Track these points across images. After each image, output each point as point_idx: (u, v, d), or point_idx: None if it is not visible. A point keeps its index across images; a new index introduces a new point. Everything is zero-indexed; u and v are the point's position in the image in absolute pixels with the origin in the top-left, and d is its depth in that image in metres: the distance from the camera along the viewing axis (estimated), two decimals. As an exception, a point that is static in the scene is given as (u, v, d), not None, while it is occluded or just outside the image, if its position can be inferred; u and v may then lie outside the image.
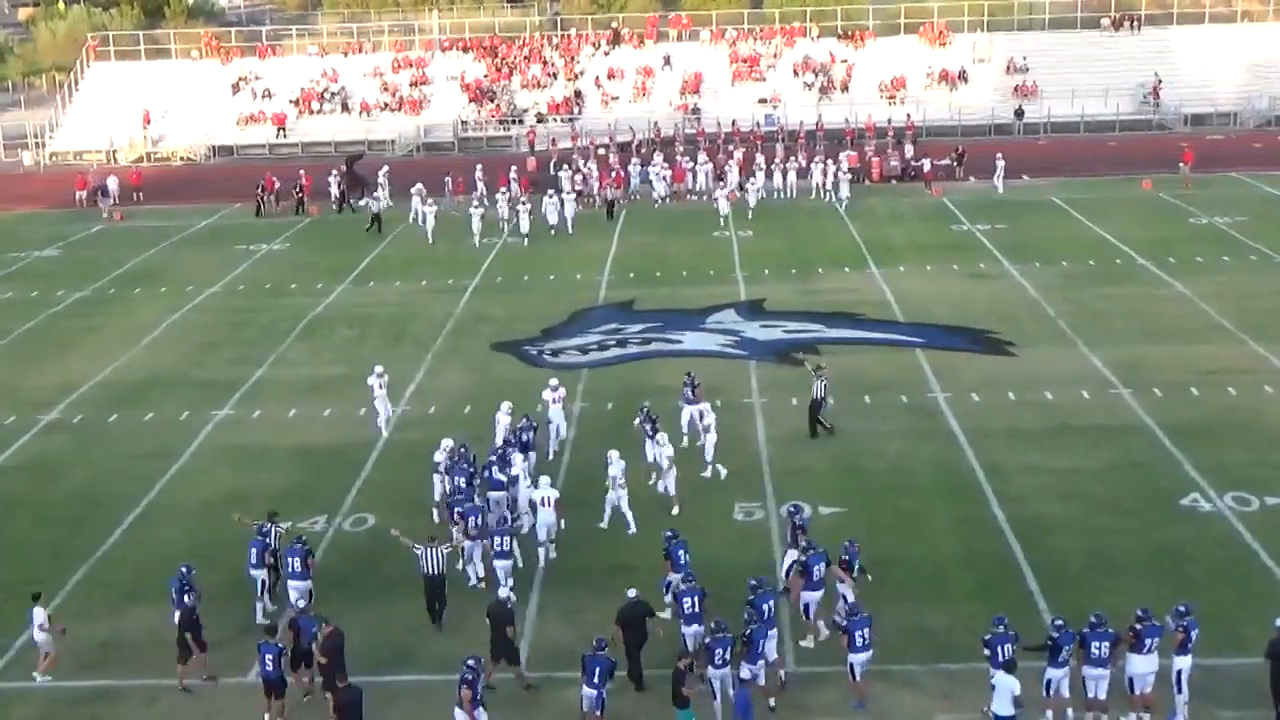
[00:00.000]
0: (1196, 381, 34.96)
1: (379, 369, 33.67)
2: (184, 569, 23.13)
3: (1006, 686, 19.17)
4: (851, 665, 20.75)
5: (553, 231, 54.94)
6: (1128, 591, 23.35)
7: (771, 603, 21.75)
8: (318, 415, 34.85)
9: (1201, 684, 20.73)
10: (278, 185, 64.19)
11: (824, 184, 61.05)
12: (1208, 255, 48.60)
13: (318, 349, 41.22)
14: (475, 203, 55.32)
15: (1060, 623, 20.42)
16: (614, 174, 62.27)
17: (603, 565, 25.33)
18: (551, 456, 30.86)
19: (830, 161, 62.33)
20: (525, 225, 53.99)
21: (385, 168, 64.95)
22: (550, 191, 57.23)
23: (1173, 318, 41.12)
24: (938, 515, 27.66)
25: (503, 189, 60.05)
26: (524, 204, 54.66)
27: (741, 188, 60.17)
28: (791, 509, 25.21)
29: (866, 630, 20.70)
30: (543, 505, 26.11)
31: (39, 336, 43.82)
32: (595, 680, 20.02)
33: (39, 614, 22.75)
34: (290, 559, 24.01)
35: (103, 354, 41.10)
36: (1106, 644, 19.93)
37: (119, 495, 30.17)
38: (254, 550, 24.56)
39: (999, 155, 62.45)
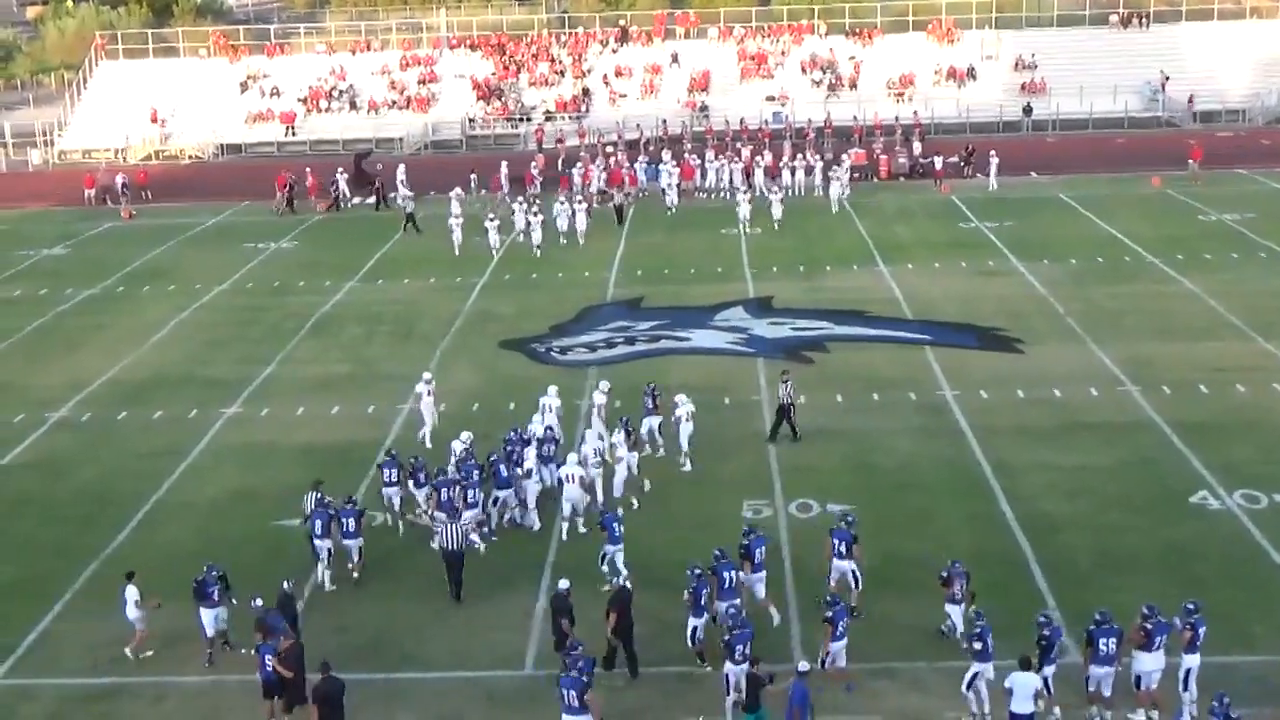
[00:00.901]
0: (1205, 379, 34.90)
1: (427, 375, 33.26)
2: (212, 569, 23.01)
3: (1027, 684, 19.15)
4: (828, 654, 20.95)
5: (563, 240, 53.13)
6: (1136, 589, 23.27)
7: (733, 572, 22.45)
8: (325, 413, 34.86)
9: (1211, 682, 20.62)
10: (309, 181, 64.40)
11: (801, 184, 60.99)
12: (1217, 252, 48.51)
13: (326, 347, 41.24)
14: (490, 214, 53.20)
15: (1043, 619, 20.51)
16: (626, 171, 62.38)
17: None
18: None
19: (836, 161, 62.33)
20: (538, 236, 51.80)
21: (402, 165, 65.11)
22: (562, 199, 55.44)
23: (1182, 315, 41.05)
24: (946, 513, 27.63)
25: (530, 187, 60.99)
26: (536, 214, 52.43)
27: (749, 186, 60.30)
28: (848, 519, 24.23)
29: (847, 620, 21.09)
30: (568, 481, 27.00)
31: (47, 334, 43.90)
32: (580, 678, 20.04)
33: (132, 591, 23.03)
34: (345, 519, 25.59)
35: (111, 352, 41.15)
36: (1114, 640, 19.94)
37: (127, 493, 30.20)
38: (319, 521, 25.52)
39: (992, 152, 62.56)
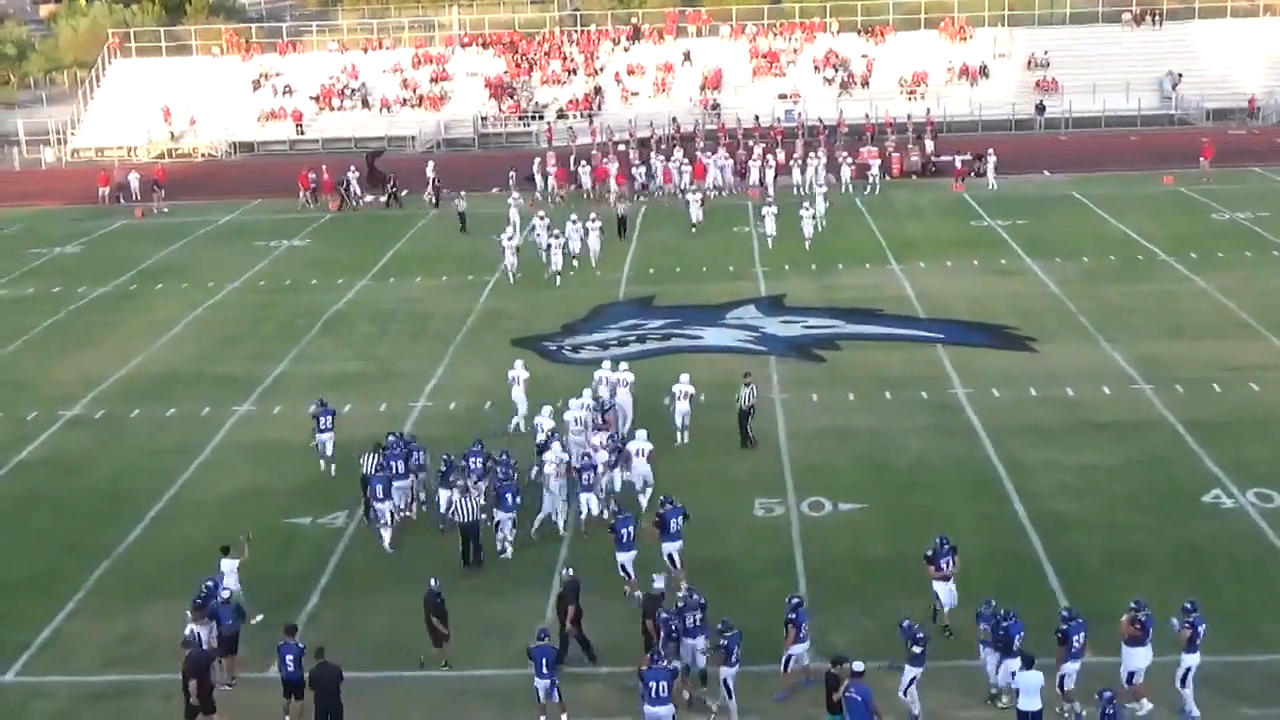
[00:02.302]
0: (1218, 377, 34.81)
1: (520, 363, 33.57)
2: (224, 588, 22.82)
3: (1034, 682, 19.18)
4: (789, 656, 20.86)
5: (575, 263, 48.78)
6: (1148, 588, 23.17)
7: (631, 528, 24.20)
8: (338, 411, 34.76)
9: (1223, 681, 20.70)
10: (324, 179, 64.68)
11: (812, 181, 60.90)
12: (1229, 251, 48.37)
13: (338, 345, 41.28)
14: (509, 233, 49.31)
15: (1005, 614, 20.54)
16: (661, 168, 62.64)
17: (616, 561, 25.33)
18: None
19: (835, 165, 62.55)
20: (558, 261, 47.63)
21: (431, 163, 65.09)
22: (574, 218, 50.23)
23: (1194, 313, 40.97)
24: (958, 512, 27.56)
25: (561, 184, 61.28)
26: (556, 236, 48.03)
27: (761, 183, 60.39)
28: (942, 542, 23.25)
29: (807, 623, 21.02)
30: (637, 456, 28.08)
31: (61, 332, 44.00)
32: (545, 670, 20.19)
33: (228, 564, 23.60)
34: (392, 463, 27.33)
35: (124, 350, 41.23)
36: (1083, 634, 19.98)
37: (140, 490, 30.26)
38: (379, 485, 26.77)
39: (990, 150, 62.58)
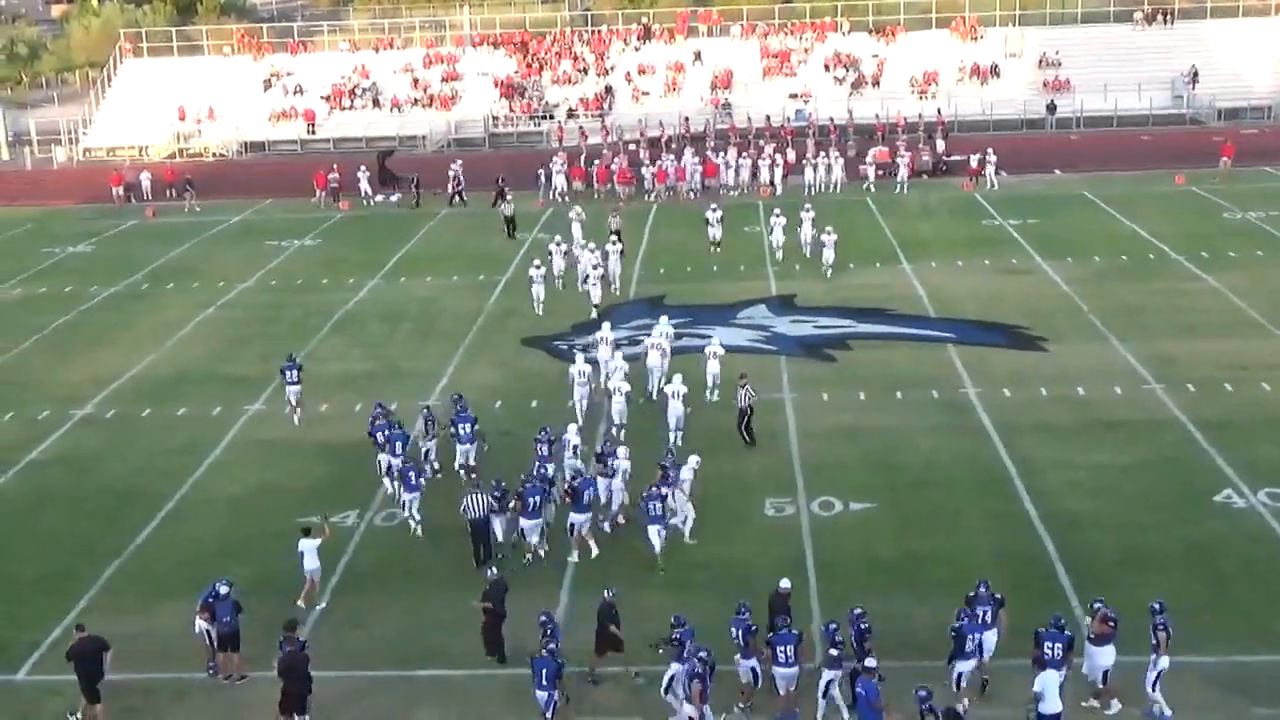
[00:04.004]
0: (1229, 377, 34.73)
1: (608, 324, 37.10)
2: (227, 589, 22.63)
3: (1053, 683, 19.09)
4: (773, 677, 20.55)
5: (596, 300, 43.73)
6: (1159, 587, 23.15)
7: (537, 498, 25.47)
8: (349, 410, 34.89)
9: (1235, 680, 20.68)
10: (331, 180, 64.49)
11: (823, 181, 61.40)
12: (1241, 250, 48.26)
13: (348, 344, 41.32)
14: (535, 261, 45.25)
15: (961, 614, 20.55)
16: (675, 166, 62.76)
17: (627, 563, 25.32)
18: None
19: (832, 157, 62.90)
20: (597, 295, 43.43)
21: (460, 162, 65.06)
22: (591, 245, 46.38)
23: (1206, 313, 40.87)
24: (969, 511, 27.56)
25: (576, 182, 61.93)
26: (595, 267, 43.99)
27: (772, 182, 60.44)
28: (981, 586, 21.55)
29: (790, 647, 20.33)
30: (673, 399, 30.91)
31: (72, 331, 44.09)
32: (545, 683, 19.99)
33: (309, 544, 24.31)
34: (459, 425, 29.46)
35: (135, 349, 41.31)
36: (1059, 644, 19.75)
37: (151, 490, 30.33)
38: (397, 444, 28.84)
39: (990, 150, 62.62)
